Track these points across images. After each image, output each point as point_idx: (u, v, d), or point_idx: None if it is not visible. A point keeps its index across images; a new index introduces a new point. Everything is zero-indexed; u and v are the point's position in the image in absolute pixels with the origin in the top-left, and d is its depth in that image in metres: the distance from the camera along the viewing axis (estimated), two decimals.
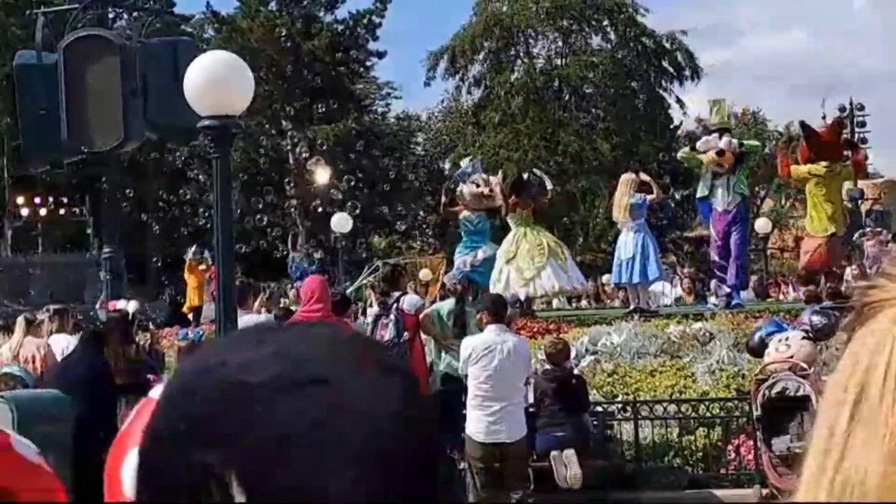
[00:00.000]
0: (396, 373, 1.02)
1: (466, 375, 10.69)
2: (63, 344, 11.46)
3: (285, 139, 41.45)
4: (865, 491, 0.96)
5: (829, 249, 17.26)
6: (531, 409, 11.49)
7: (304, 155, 39.56)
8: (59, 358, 11.22)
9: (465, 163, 19.14)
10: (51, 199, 43.31)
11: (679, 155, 18.51)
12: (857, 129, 43.01)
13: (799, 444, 10.58)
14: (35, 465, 1.57)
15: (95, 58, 11.20)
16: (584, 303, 27.39)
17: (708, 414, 12.85)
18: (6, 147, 40.08)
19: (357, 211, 33.71)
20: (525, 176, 20.31)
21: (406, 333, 12.99)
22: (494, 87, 49.24)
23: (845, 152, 18.04)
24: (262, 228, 41.44)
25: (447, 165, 49.52)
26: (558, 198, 33.44)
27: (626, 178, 18.15)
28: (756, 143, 19.21)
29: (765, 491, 11.54)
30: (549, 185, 19.18)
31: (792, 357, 10.95)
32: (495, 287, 16.99)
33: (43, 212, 43.33)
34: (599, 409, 13.05)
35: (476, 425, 10.42)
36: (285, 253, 39.59)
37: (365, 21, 47.01)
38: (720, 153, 17.20)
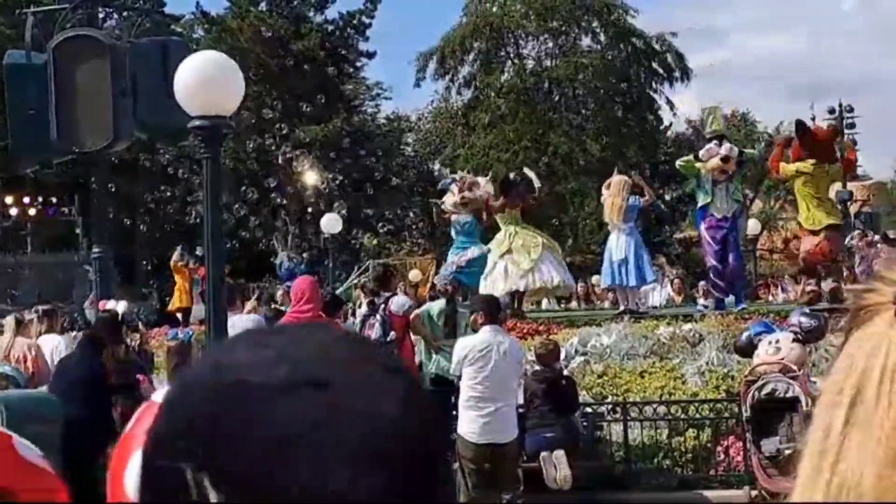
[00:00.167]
0: (397, 373, 1.03)
1: (458, 376, 10.69)
2: (52, 344, 11.45)
3: (274, 139, 41.39)
4: (861, 493, 0.96)
5: (830, 241, 17.19)
6: (521, 410, 11.51)
7: (292, 155, 39.57)
8: (48, 358, 11.20)
9: (445, 182, 19.10)
10: (40, 198, 43.21)
11: (678, 163, 18.48)
12: (846, 131, 43.13)
13: (788, 445, 10.60)
14: (37, 466, 1.57)
15: (85, 58, 11.18)
16: (573, 304, 27.40)
17: (697, 415, 12.87)
18: None
19: (344, 211, 33.75)
20: (511, 175, 20.34)
21: (392, 333, 12.99)
22: (484, 88, 49.23)
23: (837, 151, 18.07)
24: (251, 229, 41.46)
25: (437, 166, 49.59)
26: (547, 198, 33.47)
27: (620, 179, 18.13)
28: (754, 151, 19.17)
29: (754, 492, 11.56)
30: (536, 184, 19.21)
31: (782, 359, 10.96)
32: (487, 282, 17.06)
33: (32, 212, 43.23)
34: (589, 410, 13.07)
35: (469, 426, 10.42)
36: (273, 253, 39.61)
37: (355, 21, 46.96)
38: (725, 160, 17.22)
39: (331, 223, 28.81)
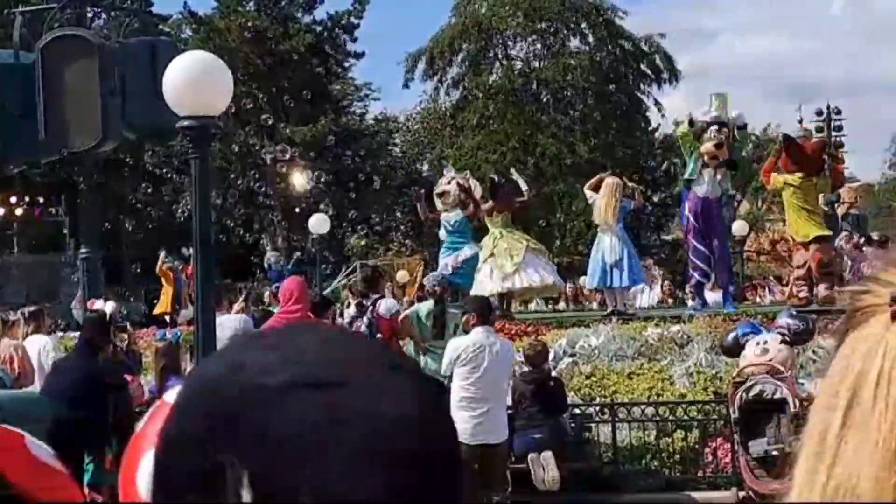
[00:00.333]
0: (410, 373, 1.03)
1: (448, 377, 10.69)
2: (40, 345, 11.42)
3: (262, 139, 41.35)
4: (858, 495, 0.96)
5: (820, 252, 17.21)
6: (509, 411, 11.51)
7: (280, 156, 39.49)
8: (35, 358, 11.18)
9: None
10: (27, 199, 43.09)
11: (679, 130, 18.57)
12: (834, 133, 43.23)
13: (776, 446, 10.62)
14: (49, 466, 1.57)
15: (73, 57, 11.15)
16: (561, 305, 27.42)
17: (685, 416, 12.88)
18: None
19: (332, 212, 33.71)
20: (496, 178, 20.37)
21: (378, 336, 12.98)
22: (472, 89, 49.27)
23: (825, 163, 18.05)
24: (238, 229, 41.41)
25: (425, 167, 49.57)
26: (535, 200, 33.44)
27: (613, 181, 18.08)
28: (744, 156, 19.04)
29: (742, 493, 11.57)
30: (523, 188, 19.20)
31: (769, 360, 10.98)
32: (474, 283, 17.04)
33: (19, 212, 43.10)
34: (577, 411, 13.07)
35: (461, 426, 10.41)
36: (260, 253, 39.55)
37: (343, 22, 46.89)
38: (718, 146, 17.24)
39: (318, 223, 28.76)
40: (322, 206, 34.22)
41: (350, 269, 31.58)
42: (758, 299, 27.81)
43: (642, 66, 50.19)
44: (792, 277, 18.80)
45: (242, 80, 38.07)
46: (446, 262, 16.76)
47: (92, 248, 20.49)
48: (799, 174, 17.10)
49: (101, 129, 11.07)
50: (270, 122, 41.48)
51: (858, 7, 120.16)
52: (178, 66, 8.57)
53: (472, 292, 15.76)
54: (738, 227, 34.70)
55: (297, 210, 39.02)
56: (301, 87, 43.94)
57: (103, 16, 31.51)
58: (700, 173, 17.51)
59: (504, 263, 17.66)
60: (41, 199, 43.54)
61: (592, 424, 13.13)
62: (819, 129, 39.73)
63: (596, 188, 18.16)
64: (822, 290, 17.17)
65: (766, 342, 11.12)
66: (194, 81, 8.41)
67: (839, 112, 44.90)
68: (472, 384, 10.37)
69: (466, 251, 16.88)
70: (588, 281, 18.67)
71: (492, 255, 17.84)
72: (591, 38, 49.77)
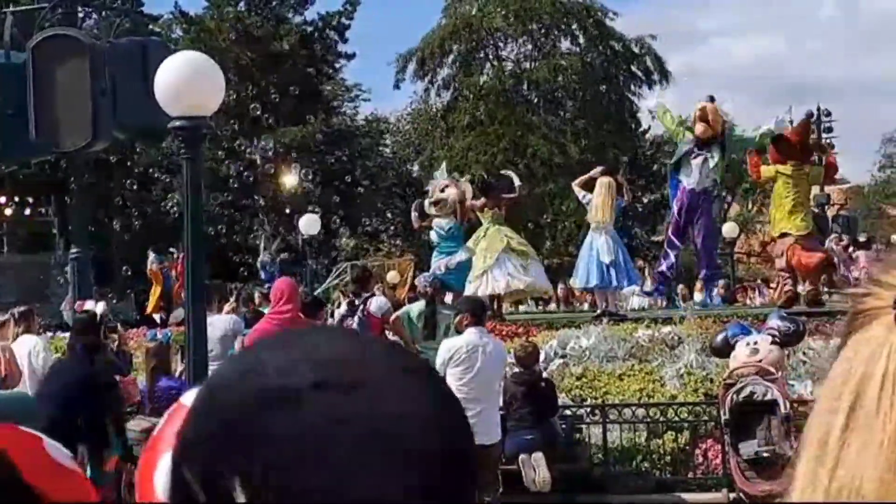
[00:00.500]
0: (426, 374, 1.04)
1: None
2: (30, 345, 11.39)
3: (252, 140, 41.32)
4: (862, 497, 0.96)
5: (805, 249, 17.18)
6: (500, 412, 11.51)
7: (263, 153, 39.44)
8: (26, 359, 11.15)
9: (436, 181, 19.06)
10: (16, 198, 43.00)
11: (654, 104, 18.81)
12: (824, 135, 43.36)
13: (766, 448, 10.64)
14: (67, 468, 1.58)
15: (64, 57, 11.11)
16: (552, 306, 27.43)
17: (676, 418, 12.90)
18: None
19: (321, 212, 33.67)
20: (485, 176, 20.50)
21: (370, 335, 12.97)
22: (463, 90, 49.28)
23: (815, 156, 18.06)
24: (228, 230, 41.35)
25: (415, 168, 49.60)
26: (527, 200, 33.46)
27: (606, 181, 18.07)
28: (752, 136, 18.82)
29: (732, 495, 11.60)
30: (516, 183, 19.22)
31: (759, 361, 10.99)
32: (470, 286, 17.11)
33: (8, 212, 43.01)
34: (568, 412, 13.09)
35: None
36: (250, 253, 39.47)
37: (334, 23, 46.90)
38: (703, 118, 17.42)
39: (309, 224, 28.77)
40: (310, 208, 34.13)
41: (340, 270, 31.54)
42: (748, 301, 27.87)
43: (633, 68, 50.24)
44: (776, 270, 18.83)
45: (233, 81, 38.04)
46: (440, 263, 16.76)
47: (82, 248, 20.45)
48: (791, 163, 17.09)
49: (91, 129, 11.04)
50: (260, 123, 41.43)
51: (848, 10, 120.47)
52: (169, 67, 8.57)
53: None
54: (729, 229, 34.80)
55: (288, 211, 38.98)
56: (291, 87, 43.93)
57: (94, 16, 31.49)
58: (689, 163, 17.55)
59: (477, 265, 17.68)
60: (30, 199, 43.46)
61: (583, 425, 13.14)
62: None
63: (586, 185, 18.15)
64: (806, 286, 17.19)
65: (756, 343, 11.12)
66: (186, 82, 8.41)
67: (829, 114, 45.05)
68: (465, 385, 10.36)
69: (462, 255, 16.92)
70: (581, 281, 18.51)
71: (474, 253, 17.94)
72: (581, 40, 49.82)
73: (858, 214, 42.13)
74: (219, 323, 12.67)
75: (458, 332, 10.93)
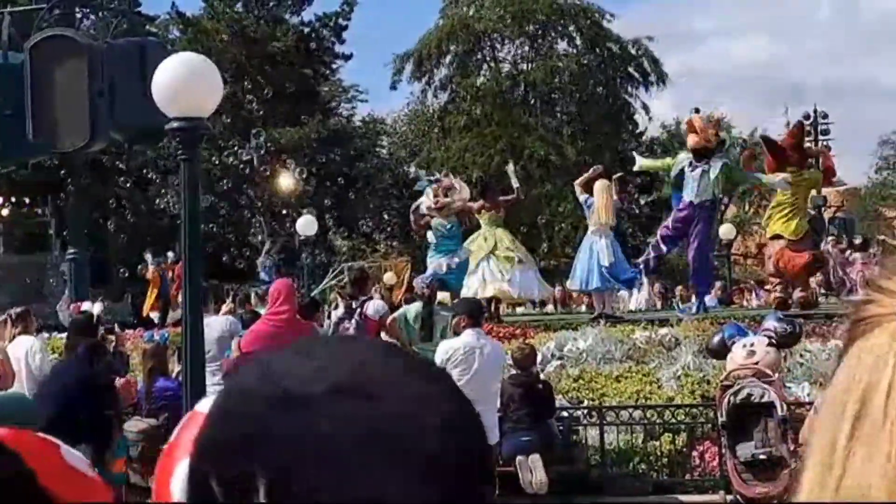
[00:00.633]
0: (440, 383, 1.05)
1: None
2: (27, 346, 11.38)
3: (249, 141, 41.30)
4: None
5: (795, 253, 17.24)
6: (498, 414, 11.50)
7: (267, 157, 39.45)
8: (23, 360, 11.14)
9: (421, 183, 19.08)
10: (12, 199, 42.94)
11: (637, 166, 19.08)
12: (820, 137, 43.35)
13: (763, 450, 10.64)
14: (84, 474, 1.58)
15: (62, 58, 11.11)
16: (549, 308, 27.43)
17: (673, 420, 12.88)
18: None
19: (315, 213, 33.65)
20: (483, 177, 20.60)
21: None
22: (460, 91, 49.29)
23: (810, 160, 18.12)
24: (225, 231, 41.34)
25: (412, 169, 49.58)
26: (523, 201, 33.47)
27: (604, 183, 18.09)
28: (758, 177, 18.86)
29: (729, 497, 11.59)
30: (514, 183, 19.25)
31: (756, 363, 10.99)
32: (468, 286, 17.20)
33: (4, 212, 42.95)
34: (565, 414, 13.07)
35: None
36: (248, 256, 39.47)
37: (331, 23, 46.89)
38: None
39: (306, 225, 28.76)
40: (305, 210, 34.13)
41: (337, 271, 31.54)
42: (745, 303, 27.89)
43: (630, 69, 50.28)
44: (767, 273, 18.88)
45: (229, 81, 38.02)
46: (440, 262, 16.81)
47: (79, 248, 20.46)
48: (790, 170, 17.13)
49: (89, 130, 11.03)
50: (257, 124, 41.43)
51: (846, 11, 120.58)
52: (167, 68, 8.55)
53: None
54: (725, 231, 34.78)
55: (284, 212, 39.01)
56: (288, 88, 43.93)
57: (92, 16, 31.47)
58: (687, 176, 17.58)
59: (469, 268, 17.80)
60: (27, 200, 43.41)
61: (580, 427, 13.12)
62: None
63: (586, 186, 18.18)
64: (797, 291, 17.23)
65: (752, 345, 11.12)
66: (184, 83, 8.39)
67: (826, 116, 45.01)
68: (462, 386, 10.27)
69: (462, 254, 17.02)
70: (581, 284, 18.48)
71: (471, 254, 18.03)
72: (578, 41, 49.86)
73: (855, 216, 42.16)
74: (215, 324, 12.65)
75: (456, 333, 10.92)
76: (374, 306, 14.14)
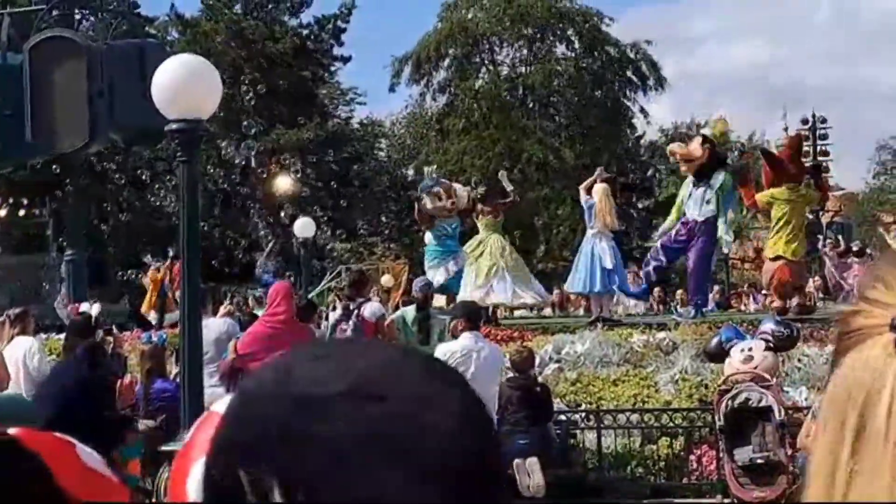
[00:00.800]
0: (455, 387, 1.04)
1: None
2: (25, 346, 11.37)
3: (247, 142, 41.29)
4: None
5: (790, 272, 17.32)
6: (495, 417, 11.50)
7: (246, 153, 39.46)
8: (21, 360, 11.14)
9: (428, 179, 19.11)
10: (10, 199, 42.90)
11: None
12: (819, 142, 43.36)
13: (761, 454, 10.64)
14: (101, 474, 1.58)
15: (61, 59, 11.11)
16: (547, 311, 27.42)
17: (671, 423, 12.89)
18: None
19: (313, 213, 33.66)
20: (481, 181, 20.71)
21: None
22: (459, 94, 49.29)
23: (808, 177, 18.17)
24: (223, 233, 41.32)
25: (410, 172, 49.57)
26: (520, 204, 33.43)
27: (603, 186, 18.13)
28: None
29: (726, 501, 11.59)
30: (508, 188, 19.34)
31: (755, 367, 10.99)
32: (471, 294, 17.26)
33: (2, 213, 42.90)
34: (562, 417, 13.07)
35: None
36: (245, 258, 39.47)
37: (330, 26, 46.89)
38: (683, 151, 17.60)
39: (304, 227, 28.73)
40: (300, 215, 34.12)
41: (335, 274, 31.54)
42: (742, 307, 27.90)
43: (628, 73, 50.31)
44: (764, 289, 18.98)
45: (227, 83, 38.01)
46: (446, 266, 16.93)
47: (77, 249, 20.46)
48: (785, 185, 17.19)
49: (88, 131, 11.04)
50: (256, 126, 41.42)
51: (844, 15, 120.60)
52: (167, 69, 8.55)
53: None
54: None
55: (282, 214, 38.98)
56: (287, 90, 43.90)
57: (91, 18, 31.47)
58: (692, 195, 17.69)
59: (480, 274, 17.94)
60: (25, 201, 43.38)
61: (577, 431, 13.13)
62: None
63: (589, 190, 18.24)
64: (794, 302, 17.32)
65: (750, 349, 11.13)
66: (183, 84, 8.39)
67: (824, 121, 45.01)
68: None
69: (461, 258, 17.16)
70: (582, 286, 18.43)
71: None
72: (577, 45, 49.87)
73: (853, 221, 42.13)
74: (213, 325, 12.65)
75: (454, 336, 10.91)
76: (370, 308, 14.14)
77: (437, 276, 16.84)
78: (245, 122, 38.65)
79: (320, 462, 0.95)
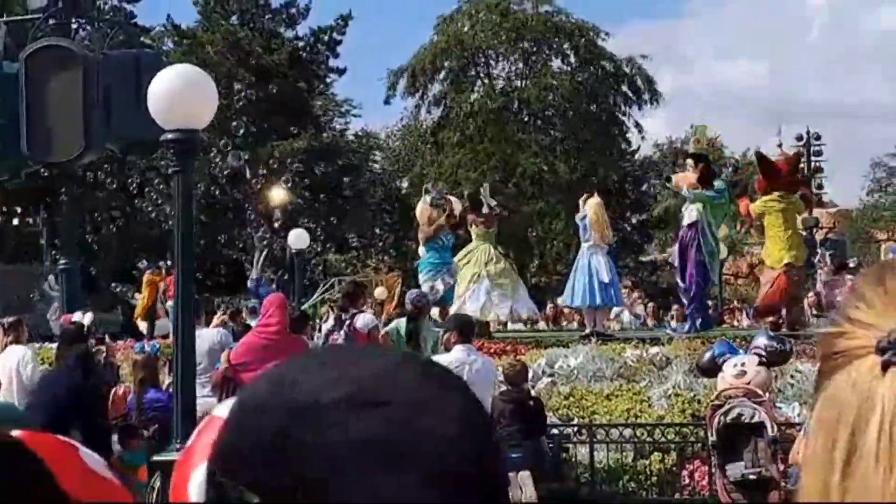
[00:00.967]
0: (456, 393, 1.04)
1: None
2: (19, 355, 11.37)
3: (236, 152, 41.26)
4: None
5: (788, 280, 17.33)
6: None
7: (234, 162, 39.42)
8: (14, 369, 11.13)
9: (435, 192, 19.12)
10: (4, 208, 42.85)
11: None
12: (813, 159, 43.42)
13: (753, 470, 10.62)
14: (104, 477, 1.57)
15: (57, 68, 11.12)
16: (541, 324, 27.41)
17: (663, 439, 12.88)
18: None
19: (306, 225, 33.65)
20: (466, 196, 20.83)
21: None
22: (454, 107, 49.28)
23: (801, 189, 18.25)
24: (217, 244, 41.27)
25: (405, 184, 49.59)
26: (515, 218, 33.46)
27: (597, 200, 18.17)
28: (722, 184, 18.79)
29: None
30: (490, 203, 19.49)
31: (747, 382, 10.98)
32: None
33: None
34: (555, 431, 13.05)
35: None
36: (238, 268, 39.44)
37: (325, 38, 46.94)
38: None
39: (298, 239, 28.73)
40: (293, 224, 34.11)
41: (328, 286, 31.53)
42: (735, 322, 27.90)
43: (623, 88, 50.34)
44: (759, 299, 18.92)
45: (223, 94, 38.01)
46: (444, 277, 16.98)
47: (70, 259, 20.42)
48: (776, 194, 17.22)
49: (83, 140, 11.04)
50: (250, 137, 41.43)
51: (837, 32, 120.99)
52: (163, 79, 8.56)
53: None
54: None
55: (277, 225, 38.96)
56: (282, 101, 43.91)
57: (87, 27, 31.48)
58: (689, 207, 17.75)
59: (461, 284, 18.01)
60: (18, 209, 43.33)
61: (570, 445, 13.11)
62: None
63: (589, 206, 18.31)
64: (785, 316, 17.33)
65: (743, 364, 11.11)
66: (179, 94, 8.40)
67: (819, 137, 45.10)
68: None
69: (454, 272, 17.25)
70: (579, 300, 18.38)
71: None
72: (573, 59, 49.88)
73: (847, 238, 42.22)
74: (207, 336, 12.65)
75: (447, 349, 10.90)
76: (363, 319, 14.15)
77: (437, 286, 16.90)
78: (234, 123, 38.64)
79: (320, 469, 0.95)
